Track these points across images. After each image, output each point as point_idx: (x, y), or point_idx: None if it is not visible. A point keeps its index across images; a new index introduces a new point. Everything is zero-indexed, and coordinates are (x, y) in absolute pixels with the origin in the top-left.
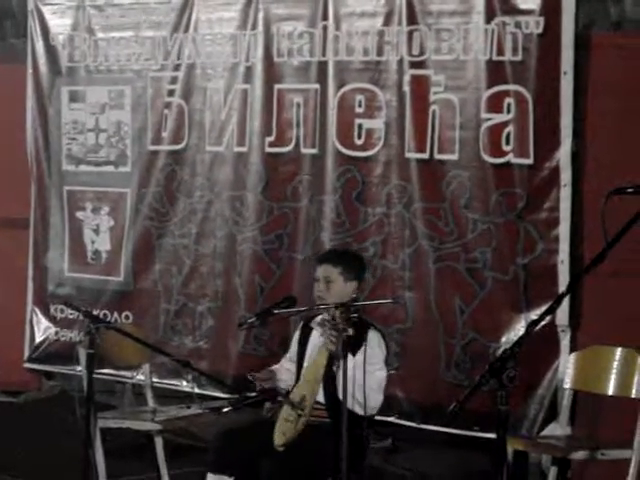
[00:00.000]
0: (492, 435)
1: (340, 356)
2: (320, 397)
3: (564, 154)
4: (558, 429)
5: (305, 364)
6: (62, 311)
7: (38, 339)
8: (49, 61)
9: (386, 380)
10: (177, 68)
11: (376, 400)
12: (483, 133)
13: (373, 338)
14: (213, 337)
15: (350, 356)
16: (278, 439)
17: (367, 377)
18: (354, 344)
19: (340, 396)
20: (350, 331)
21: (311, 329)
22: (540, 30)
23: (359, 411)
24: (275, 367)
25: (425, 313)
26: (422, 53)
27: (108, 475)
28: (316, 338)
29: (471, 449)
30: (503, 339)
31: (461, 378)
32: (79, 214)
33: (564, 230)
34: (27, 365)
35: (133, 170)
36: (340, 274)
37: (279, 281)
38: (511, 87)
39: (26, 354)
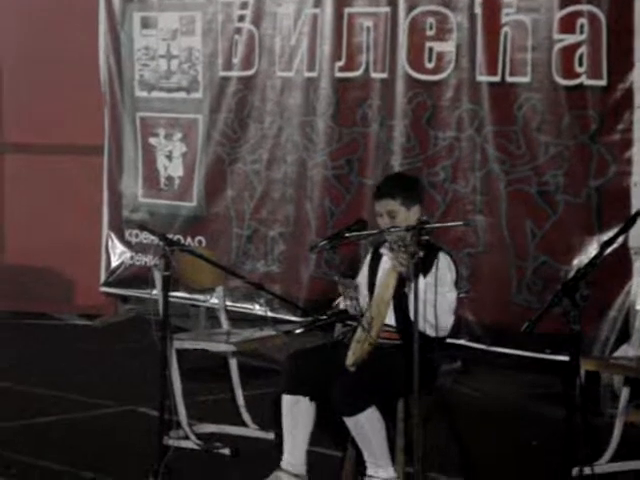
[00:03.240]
0: (564, 358)
1: (411, 278)
2: (391, 319)
3: (638, 75)
4: (630, 350)
5: (376, 289)
6: (137, 236)
7: (114, 264)
8: None
9: (456, 302)
10: None
11: (447, 321)
12: (556, 55)
13: (443, 260)
14: (285, 261)
15: (421, 278)
16: (349, 359)
17: (438, 298)
18: (424, 266)
19: (411, 317)
20: (420, 253)
21: (381, 255)
22: None
23: (430, 332)
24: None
25: (496, 237)
26: None
27: (184, 396)
28: (386, 263)
29: (542, 372)
30: (575, 262)
31: (532, 301)
32: (152, 140)
33: (638, 152)
34: (103, 289)
35: (205, 96)
36: (402, 204)
37: (349, 206)
38: (584, 7)
39: (102, 278)
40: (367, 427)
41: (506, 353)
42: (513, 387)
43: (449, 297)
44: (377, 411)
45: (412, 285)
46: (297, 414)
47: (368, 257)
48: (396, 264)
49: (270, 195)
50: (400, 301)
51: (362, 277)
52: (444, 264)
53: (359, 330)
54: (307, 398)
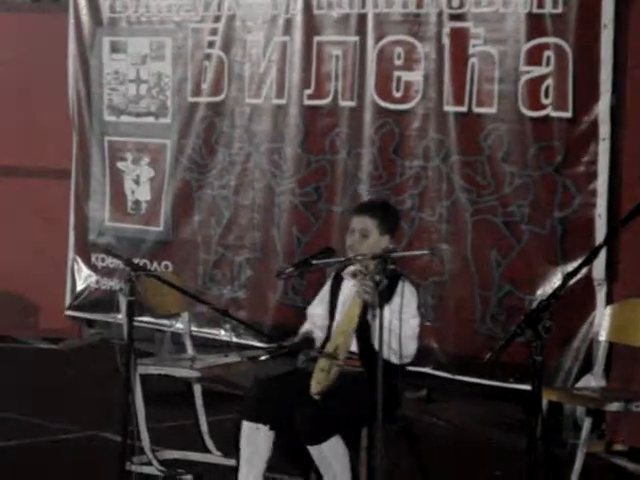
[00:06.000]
0: (527, 387)
1: (376, 306)
2: (353, 346)
3: (603, 108)
4: (593, 381)
5: (337, 314)
6: (103, 260)
7: (79, 287)
8: (91, 11)
9: (419, 328)
10: (217, 20)
11: (410, 348)
12: (522, 86)
13: (405, 287)
14: (251, 287)
15: (385, 306)
16: (314, 388)
17: (402, 325)
18: (387, 294)
19: (375, 345)
20: (385, 282)
21: (342, 278)
22: None
23: (394, 360)
24: (307, 328)
25: (461, 266)
26: (462, 5)
27: (147, 421)
28: (347, 288)
29: (505, 400)
30: (539, 292)
31: (496, 330)
32: (120, 164)
33: (602, 184)
34: (68, 313)
35: (173, 121)
36: (377, 227)
37: (317, 233)
38: (551, 40)
39: (67, 302)
40: (330, 456)
41: (470, 382)
42: (477, 416)
43: (412, 323)
44: (341, 440)
45: (376, 313)
46: (256, 442)
47: (329, 281)
48: (360, 292)
49: (237, 221)
50: (363, 328)
51: (324, 302)
52: (406, 290)
53: (321, 358)
54: (267, 427)
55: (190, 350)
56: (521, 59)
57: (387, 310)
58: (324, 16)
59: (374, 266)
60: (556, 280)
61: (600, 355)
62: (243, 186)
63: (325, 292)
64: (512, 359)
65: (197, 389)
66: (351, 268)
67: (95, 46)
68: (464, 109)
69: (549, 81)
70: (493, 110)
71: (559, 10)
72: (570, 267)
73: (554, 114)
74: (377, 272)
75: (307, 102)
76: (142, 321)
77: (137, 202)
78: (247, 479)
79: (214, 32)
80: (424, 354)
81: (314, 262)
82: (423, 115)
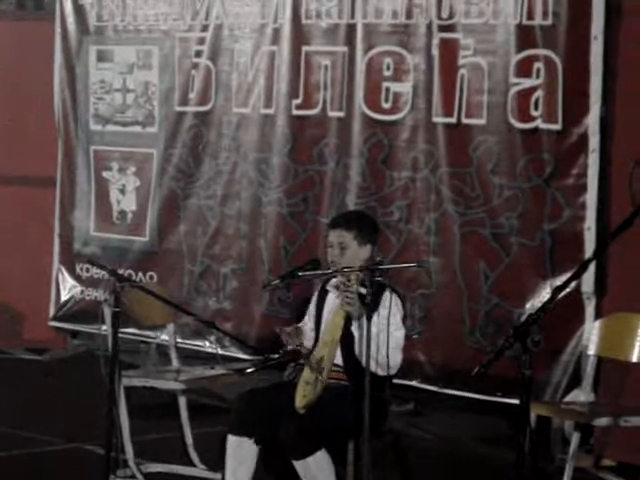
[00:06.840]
0: (515, 401)
1: (361, 317)
2: (338, 359)
3: (593, 120)
4: (581, 395)
5: (322, 326)
6: (87, 270)
7: (64, 298)
8: (77, 20)
9: (404, 339)
10: (205, 29)
11: (395, 360)
12: (511, 98)
13: (390, 299)
14: (237, 299)
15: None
16: (299, 401)
17: (386, 337)
18: (371, 305)
19: (358, 357)
20: (366, 293)
21: (327, 292)
22: None
23: (379, 372)
24: (301, 325)
25: (450, 278)
26: (451, 16)
27: (132, 433)
28: (332, 300)
29: (493, 414)
30: (527, 305)
31: (484, 343)
32: (105, 174)
33: (591, 196)
34: (53, 323)
35: (160, 131)
36: (354, 239)
37: (304, 244)
38: (541, 52)
39: (52, 312)
40: (316, 470)
41: (458, 395)
42: (465, 430)
43: (397, 335)
44: (326, 454)
45: (360, 325)
46: (240, 455)
47: (315, 294)
48: (343, 304)
49: (223, 231)
50: (346, 340)
51: (310, 315)
52: (393, 303)
53: (306, 371)
54: (252, 440)
55: (175, 362)
56: (511, 71)
57: (372, 322)
58: (313, 26)
59: (355, 277)
60: (545, 293)
61: (589, 369)
62: (230, 196)
63: (312, 305)
64: (500, 372)
65: (182, 401)
66: (334, 280)
67: (81, 55)
68: (453, 120)
69: (539, 93)
70: (482, 121)
71: (549, 22)
72: (559, 280)
73: (543, 126)
74: (361, 284)
75: (295, 112)
76: (127, 332)
77: (123, 212)
78: None
79: (202, 41)
80: (411, 367)
81: (300, 274)
82: (412, 126)
